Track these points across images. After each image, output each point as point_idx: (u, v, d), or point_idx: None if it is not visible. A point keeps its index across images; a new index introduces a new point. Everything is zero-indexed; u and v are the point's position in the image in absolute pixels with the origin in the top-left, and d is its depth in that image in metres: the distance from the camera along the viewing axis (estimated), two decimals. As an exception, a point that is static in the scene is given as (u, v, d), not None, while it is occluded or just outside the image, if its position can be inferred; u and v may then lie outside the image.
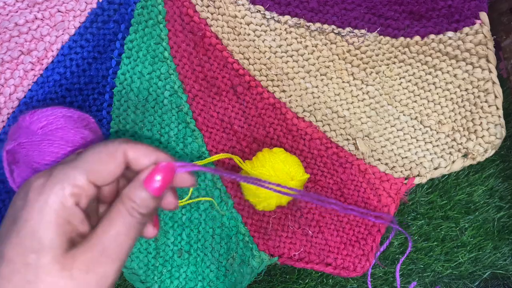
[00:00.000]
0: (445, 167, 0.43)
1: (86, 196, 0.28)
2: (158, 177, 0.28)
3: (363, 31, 0.43)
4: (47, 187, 0.27)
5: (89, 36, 0.43)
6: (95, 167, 0.28)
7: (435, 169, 0.43)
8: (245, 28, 0.44)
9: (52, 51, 0.43)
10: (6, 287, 0.26)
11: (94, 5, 0.43)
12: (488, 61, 0.43)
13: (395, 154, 0.44)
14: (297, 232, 0.44)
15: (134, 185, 0.28)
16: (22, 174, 0.35)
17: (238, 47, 0.44)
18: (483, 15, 0.43)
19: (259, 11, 0.44)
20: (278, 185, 0.28)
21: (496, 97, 0.42)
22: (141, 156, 0.28)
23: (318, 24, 0.44)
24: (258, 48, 0.44)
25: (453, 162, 0.43)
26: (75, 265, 0.26)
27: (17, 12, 0.43)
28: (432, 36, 0.43)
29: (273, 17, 0.44)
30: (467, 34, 0.43)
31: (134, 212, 0.28)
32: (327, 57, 0.44)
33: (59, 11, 0.43)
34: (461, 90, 0.43)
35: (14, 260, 0.26)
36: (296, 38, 0.44)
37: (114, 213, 0.28)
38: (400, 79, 0.44)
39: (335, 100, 0.44)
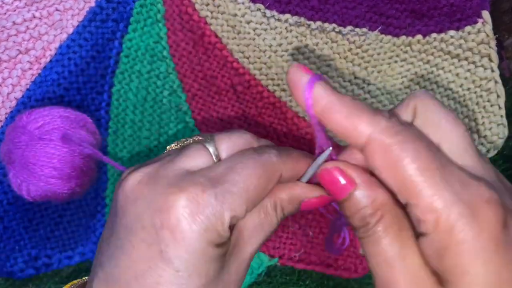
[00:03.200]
0: (447, 167, 0.43)
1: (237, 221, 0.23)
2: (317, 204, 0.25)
3: (364, 29, 0.43)
4: (202, 216, 0.21)
5: (87, 35, 0.43)
6: (254, 194, 0.22)
7: (437, 169, 0.43)
8: (245, 27, 0.44)
9: (50, 50, 0.43)
10: None
11: (93, 4, 0.43)
12: (490, 60, 0.43)
13: (396, 154, 0.43)
14: (297, 232, 0.43)
15: (294, 201, 0.25)
16: (18, 175, 0.35)
17: (238, 45, 0.44)
18: (486, 14, 0.43)
19: (259, 9, 0.43)
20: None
21: (498, 96, 0.42)
22: (293, 172, 0.24)
23: (318, 23, 0.43)
24: (258, 47, 0.44)
25: (455, 162, 0.43)
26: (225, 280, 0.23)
27: (15, 10, 0.43)
28: (434, 35, 0.43)
29: (273, 15, 0.43)
30: (469, 33, 0.43)
31: (279, 214, 0.25)
32: (328, 56, 0.44)
33: (57, 10, 0.43)
34: (463, 89, 0.43)
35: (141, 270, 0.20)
36: (296, 37, 0.43)
37: (261, 217, 0.24)
38: (402, 78, 0.44)
39: (336, 100, 0.44)
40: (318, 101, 0.20)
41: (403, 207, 0.20)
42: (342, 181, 0.21)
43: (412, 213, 0.19)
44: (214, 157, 0.23)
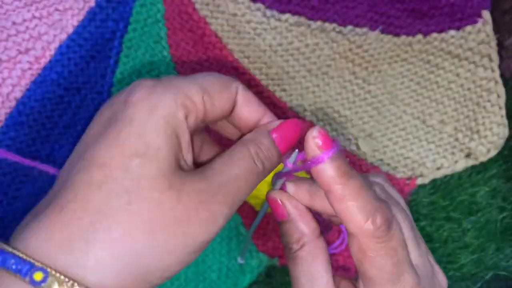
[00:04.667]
0: (448, 167, 0.43)
1: (196, 117, 0.23)
2: (288, 130, 0.25)
3: (364, 29, 0.43)
4: (157, 90, 0.22)
5: (87, 35, 0.43)
6: (212, 88, 0.24)
7: (438, 169, 0.43)
8: (245, 27, 0.43)
9: (50, 50, 0.43)
10: (97, 196, 0.20)
11: (93, 4, 0.43)
12: (490, 60, 0.43)
13: (397, 154, 0.43)
14: (297, 233, 0.43)
15: (261, 131, 0.25)
16: None
17: (238, 45, 0.44)
18: (486, 14, 0.43)
19: (259, 9, 0.43)
20: None
21: (498, 96, 0.42)
22: (249, 104, 0.25)
23: (319, 23, 0.43)
24: (258, 47, 0.44)
25: (456, 162, 0.43)
26: (185, 189, 0.21)
27: (14, 10, 0.42)
28: (434, 34, 0.43)
29: (274, 15, 0.43)
30: (469, 33, 0.43)
31: (259, 159, 0.24)
32: (328, 56, 0.43)
33: (57, 10, 0.43)
34: (463, 89, 0.43)
35: (110, 165, 0.20)
36: (296, 37, 0.43)
37: (236, 154, 0.24)
38: (402, 78, 0.43)
39: (337, 100, 0.44)
40: (320, 181, 0.23)
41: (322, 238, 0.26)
42: (281, 210, 0.26)
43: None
44: None
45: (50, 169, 0.37)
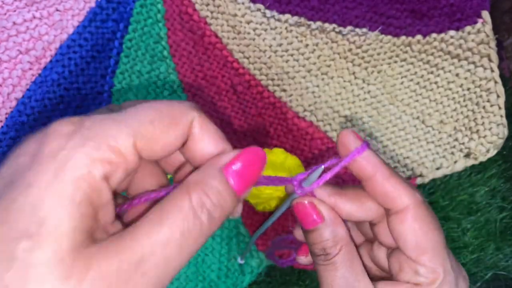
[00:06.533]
0: (447, 167, 0.43)
1: (124, 170, 0.18)
2: (244, 166, 0.19)
3: (364, 29, 0.43)
4: (71, 143, 0.17)
5: (87, 35, 0.43)
6: (149, 130, 0.18)
7: (437, 169, 0.43)
8: (245, 27, 0.43)
9: (51, 50, 0.43)
10: None
11: (93, 4, 0.43)
12: (490, 60, 0.43)
13: (396, 154, 0.43)
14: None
15: (210, 169, 0.19)
16: None
17: (238, 46, 0.44)
18: (485, 14, 0.43)
19: (259, 9, 0.43)
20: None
21: (498, 96, 0.42)
22: (207, 137, 0.20)
23: (319, 23, 0.43)
24: (258, 47, 0.44)
25: (455, 162, 0.43)
26: (89, 275, 0.16)
27: (15, 11, 0.42)
28: (434, 35, 0.43)
29: (274, 15, 0.43)
30: (469, 33, 0.43)
31: (204, 210, 0.18)
32: (328, 56, 0.43)
33: (57, 10, 0.43)
34: (463, 90, 0.43)
35: None
36: (296, 37, 0.43)
37: (170, 208, 0.18)
38: (402, 78, 0.43)
39: (336, 100, 0.44)
40: (367, 166, 0.24)
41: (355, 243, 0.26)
42: (313, 215, 0.25)
43: (410, 262, 0.24)
44: None
45: None
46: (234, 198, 0.20)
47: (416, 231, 0.23)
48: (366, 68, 0.43)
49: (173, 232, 0.17)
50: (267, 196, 0.40)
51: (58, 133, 0.17)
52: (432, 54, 0.43)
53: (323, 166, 0.25)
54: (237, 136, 0.44)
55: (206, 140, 0.20)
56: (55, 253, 0.16)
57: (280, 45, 0.43)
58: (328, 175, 0.24)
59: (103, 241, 0.17)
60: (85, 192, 0.17)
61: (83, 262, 0.16)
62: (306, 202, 0.25)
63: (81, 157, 0.17)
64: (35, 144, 0.17)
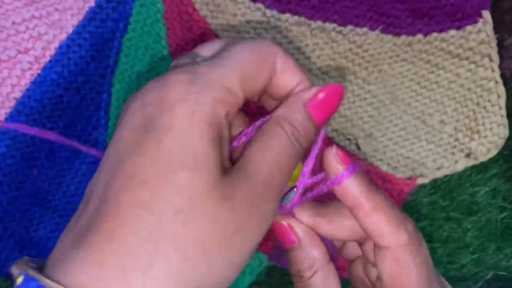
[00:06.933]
0: (448, 167, 0.43)
1: (236, 108, 0.22)
2: (326, 100, 0.23)
3: (365, 29, 0.43)
4: (195, 88, 0.20)
5: (87, 35, 0.43)
6: (249, 70, 0.22)
7: (438, 169, 0.43)
8: (245, 26, 0.43)
9: (50, 50, 0.43)
10: (148, 220, 0.18)
11: (92, 4, 0.43)
12: (491, 60, 0.43)
13: (397, 154, 0.43)
14: (297, 233, 0.43)
15: (295, 105, 0.23)
16: None
17: (238, 45, 0.44)
18: (486, 14, 0.43)
19: (259, 9, 0.43)
20: None
21: (499, 96, 0.42)
22: (288, 71, 0.23)
23: (319, 22, 0.43)
24: (258, 47, 0.44)
25: (456, 162, 0.43)
26: (237, 196, 0.20)
27: (14, 10, 0.42)
28: (434, 34, 0.43)
29: (273, 15, 0.43)
30: (470, 33, 0.43)
31: (296, 140, 0.22)
32: (328, 56, 0.43)
33: (56, 10, 0.43)
34: (464, 89, 0.43)
35: (155, 182, 0.19)
36: (296, 36, 0.43)
37: (273, 139, 0.22)
38: (402, 78, 0.43)
39: (336, 100, 0.44)
40: (347, 198, 0.23)
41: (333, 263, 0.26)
42: (290, 235, 0.25)
43: None
44: None
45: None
46: (316, 129, 0.23)
47: (395, 274, 0.23)
48: (366, 68, 0.43)
49: (281, 157, 0.21)
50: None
51: (179, 81, 0.20)
52: (433, 53, 0.43)
53: (297, 186, 0.25)
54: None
55: (288, 73, 0.23)
56: (209, 181, 0.19)
57: (280, 44, 0.43)
58: (309, 196, 0.24)
59: (231, 171, 0.20)
60: (217, 130, 0.20)
61: (229, 186, 0.20)
62: (283, 222, 0.25)
63: (208, 100, 0.20)
64: (157, 92, 0.20)
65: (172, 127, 0.19)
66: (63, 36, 0.43)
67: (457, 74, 0.43)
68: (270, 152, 0.21)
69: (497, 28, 0.44)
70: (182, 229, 0.18)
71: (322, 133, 0.24)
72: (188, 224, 0.18)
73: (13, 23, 0.42)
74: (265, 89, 0.23)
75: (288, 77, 0.23)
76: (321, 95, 0.23)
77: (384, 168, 0.43)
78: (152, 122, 0.20)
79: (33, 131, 0.37)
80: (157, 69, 0.44)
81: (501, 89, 0.42)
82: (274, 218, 0.23)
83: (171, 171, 0.19)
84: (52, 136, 0.36)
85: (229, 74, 0.21)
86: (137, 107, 0.21)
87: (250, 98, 0.23)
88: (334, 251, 0.30)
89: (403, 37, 0.43)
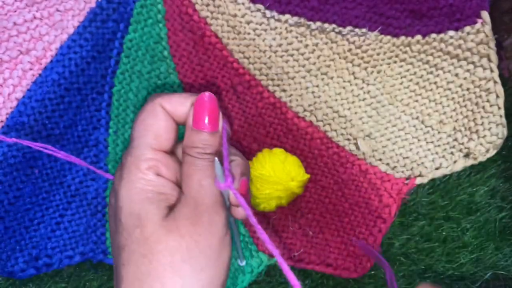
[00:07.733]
0: (447, 167, 0.43)
1: (164, 165, 0.29)
2: (203, 113, 0.28)
3: (364, 30, 0.43)
4: (126, 169, 0.28)
5: (88, 36, 0.43)
6: (150, 136, 0.29)
7: (437, 169, 0.43)
8: (245, 27, 0.44)
9: (51, 51, 0.43)
10: (125, 268, 0.27)
11: (93, 4, 0.43)
12: (489, 60, 0.43)
13: (396, 154, 0.43)
14: (297, 232, 0.43)
15: (187, 134, 0.29)
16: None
17: (238, 46, 0.44)
18: (485, 14, 0.43)
19: (259, 10, 0.43)
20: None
21: (497, 96, 0.42)
22: (177, 105, 0.29)
23: (318, 23, 0.43)
24: (258, 47, 0.44)
25: (455, 162, 0.43)
26: (180, 224, 0.27)
27: (15, 11, 0.43)
28: (433, 35, 0.43)
29: (273, 16, 0.43)
30: (468, 33, 0.43)
31: (202, 155, 0.28)
32: (328, 56, 0.44)
33: (58, 11, 0.43)
34: (462, 90, 0.43)
35: (126, 245, 0.27)
36: (296, 37, 0.43)
37: (186, 167, 0.28)
38: (401, 78, 0.43)
39: (336, 100, 0.44)
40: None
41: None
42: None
43: None
44: None
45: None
46: (210, 135, 0.29)
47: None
48: (365, 68, 0.43)
49: (198, 176, 0.28)
50: (267, 196, 0.40)
51: (116, 176, 0.30)
52: (431, 54, 0.43)
53: (216, 158, 0.28)
54: (237, 136, 0.44)
55: (178, 107, 0.29)
56: (153, 225, 0.27)
57: (280, 45, 0.44)
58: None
59: (175, 207, 0.28)
60: (150, 189, 0.28)
61: (172, 221, 0.27)
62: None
63: (134, 174, 0.28)
64: (116, 179, 0.30)
65: (121, 207, 0.28)
66: (64, 36, 0.43)
67: (456, 75, 0.43)
68: (190, 177, 0.28)
69: (496, 29, 0.44)
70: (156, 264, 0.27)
71: (225, 127, 0.30)
72: (153, 262, 0.27)
73: (15, 23, 0.42)
74: (176, 125, 0.30)
75: (180, 108, 0.29)
76: (191, 112, 0.29)
77: (383, 168, 0.43)
78: (114, 205, 0.29)
79: (26, 143, 0.38)
80: (157, 69, 0.44)
81: (500, 89, 0.42)
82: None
83: (131, 232, 0.27)
84: (48, 149, 0.37)
85: (142, 150, 0.29)
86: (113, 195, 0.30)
87: (173, 144, 0.30)
88: (391, 277, 0.36)
89: (402, 38, 0.43)
